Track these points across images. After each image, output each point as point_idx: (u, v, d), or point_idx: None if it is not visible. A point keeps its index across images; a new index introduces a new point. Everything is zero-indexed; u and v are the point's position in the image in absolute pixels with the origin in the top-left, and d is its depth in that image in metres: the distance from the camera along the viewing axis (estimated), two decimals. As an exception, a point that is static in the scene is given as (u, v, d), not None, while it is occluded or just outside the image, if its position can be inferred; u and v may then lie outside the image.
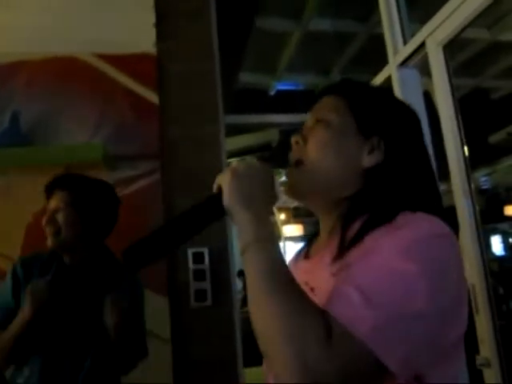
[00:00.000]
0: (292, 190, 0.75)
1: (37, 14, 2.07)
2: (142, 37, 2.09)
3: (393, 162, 0.71)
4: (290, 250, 7.55)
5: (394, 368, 0.52)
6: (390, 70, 2.01)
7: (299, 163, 0.74)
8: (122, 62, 2.05)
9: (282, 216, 7.64)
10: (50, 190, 1.40)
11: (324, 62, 3.72)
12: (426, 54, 1.74)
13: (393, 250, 0.57)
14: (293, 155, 0.77)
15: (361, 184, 0.72)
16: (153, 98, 2.04)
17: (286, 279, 0.58)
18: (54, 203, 1.36)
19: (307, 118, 0.80)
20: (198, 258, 1.95)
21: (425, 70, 1.91)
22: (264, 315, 0.56)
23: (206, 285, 1.94)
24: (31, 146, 1.88)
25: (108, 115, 1.99)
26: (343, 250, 0.65)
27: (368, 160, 0.72)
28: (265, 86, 3.93)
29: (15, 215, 1.85)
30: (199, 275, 1.94)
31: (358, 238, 0.64)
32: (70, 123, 1.96)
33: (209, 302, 1.93)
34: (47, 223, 1.35)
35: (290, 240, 7.61)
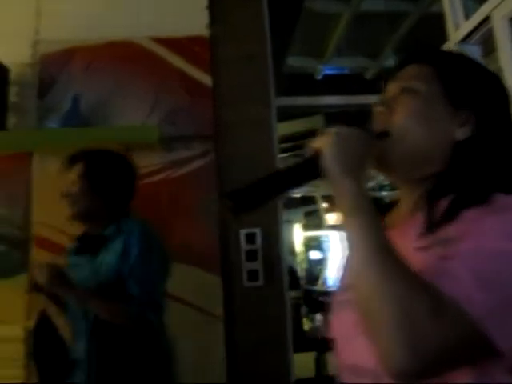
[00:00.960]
0: (378, 161, 0.70)
1: (94, 1, 2.13)
2: (194, 20, 2.11)
3: (485, 137, 0.67)
4: (333, 239, 7.48)
5: (506, 351, 0.51)
6: (450, 47, 1.93)
7: (385, 134, 0.69)
8: (175, 44, 2.09)
9: (325, 204, 7.55)
10: (68, 165, 1.46)
11: (373, 45, 3.63)
12: (490, 28, 1.66)
13: (502, 233, 0.56)
14: (377, 126, 0.72)
15: (448, 159, 0.68)
16: (206, 79, 2.07)
17: (390, 248, 0.57)
18: (70, 176, 1.42)
19: (388, 86, 0.76)
20: (251, 238, 1.97)
21: (486, 49, 1.84)
22: (373, 284, 0.55)
23: (258, 265, 1.96)
24: (90, 127, 1.95)
25: (163, 97, 2.03)
26: (433, 226, 0.63)
27: (460, 133, 0.67)
28: (312, 70, 3.88)
29: (77, 194, 1.92)
30: (251, 255, 1.96)
31: (451, 215, 0.62)
32: (126, 105, 2.02)
33: (261, 282, 1.95)
34: (64, 195, 1.41)
35: (333, 229, 7.53)
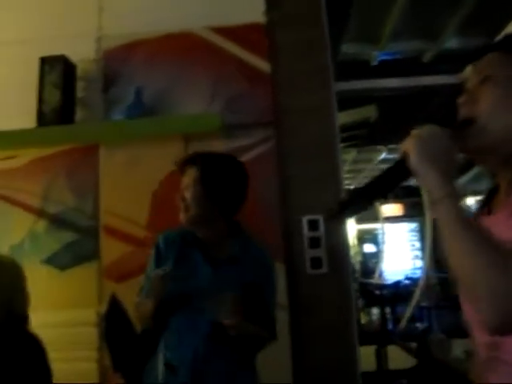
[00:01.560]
0: (466, 147, 0.77)
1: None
2: (251, 7, 2.10)
3: None
4: (388, 232, 7.31)
5: None
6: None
7: (470, 122, 0.76)
8: (233, 33, 2.09)
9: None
10: (182, 168, 1.44)
11: (432, 27, 3.48)
12: None
13: None
14: (461, 114, 0.79)
15: None
16: (264, 66, 2.05)
17: (474, 226, 0.67)
18: (185, 180, 1.41)
19: (469, 76, 0.81)
20: (313, 225, 1.94)
21: None
22: (469, 262, 0.64)
23: (321, 252, 1.93)
24: (153, 117, 1.99)
25: (222, 86, 2.04)
26: None
27: None
28: (367, 57, 3.77)
29: (143, 183, 1.97)
30: (314, 243, 1.93)
31: None
32: (187, 95, 2.04)
33: (324, 270, 1.92)
34: (179, 200, 1.40)
35: (389, 221, 7.34)
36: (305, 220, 1.94)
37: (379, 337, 3.73)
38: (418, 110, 4.25)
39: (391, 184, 0.77)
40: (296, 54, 2.11)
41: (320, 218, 1.94)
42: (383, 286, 6.10)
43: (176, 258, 1.38)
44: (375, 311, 5.40)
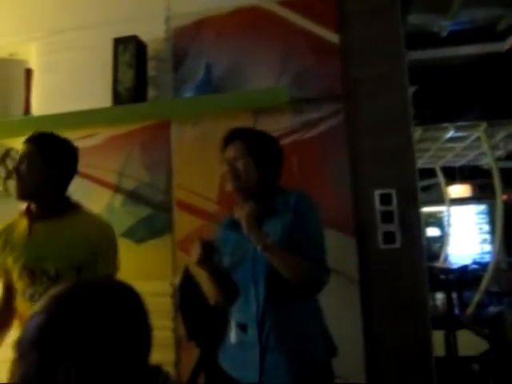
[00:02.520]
0: None
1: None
2: (318, -22, 2.05)
3: None
4: (455, 214, 6.99)
5: None
6: None
7: None
8: (300, 5, 2.05)
9: (442, 177, 7.04)
10: (227, 142, 1.53)
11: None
12: None
13: None
14: None
15: None
16: (333, 38, 2.00)
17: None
18: (232, 152, 1.49)
19: None
20: (386, 199, 1.89)
21: None
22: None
23: (394, 227, 1.88)
24: (223, 93, 2.01)
25: (290, 60, 2.02)
26: None
27: None
28: (436, 28, 3.59)
29: (213, 159, 2.00)
30: (387, 217, 1.89)
31: None
32: (256, 70, 2.04)
33: (397, 244, 1.88)
34: (230, 170, 1.48)
35: (456, 203, 7.01)
36: (377, 194, 1.89)
37: (445, 322, 3.62)
38: (484, 87, 4.02)
39: None
40: (366, 23, 2.04)
41: (392, 192, 1.88)
42: (449, 271, 5.87)
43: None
44: (439, 296, 5.22)
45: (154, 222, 2.04)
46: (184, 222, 2.01)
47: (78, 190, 2.16)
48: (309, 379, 1.37)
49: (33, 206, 1.60)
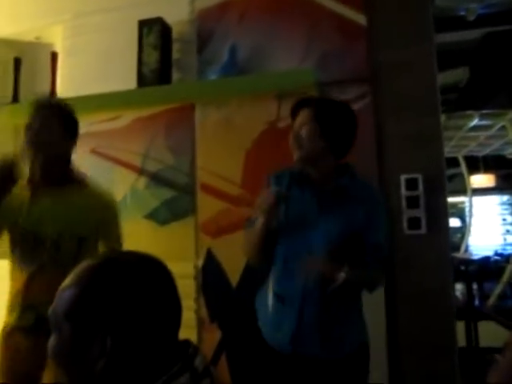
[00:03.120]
0: None
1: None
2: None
3: None
4: (477, 205, 6.85)
5: None
6: None
7: None
8: (327, -14, 2.01)
9: (465, 167, 6.89)
10: (295, 111, 1.44)
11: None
12: None
13: None
14: None
15: None
16: (360, 19, 1.96)
17: None
18: (299, 120, 1.41)
19: None
20: (412, 184, 1.86)
21: None
22: None
23: (420, 212, 1.85)
24: (247, 75, 1.99)
25: (316, 41, 1.99)
26: None
27: None
28: (463, 11, 3.49)
29: (236, 142, 2.00)
30: (412, 202, 1.86)
31: None
32: (281, 51, 2.02)
33: (423, 230, 1.85)
34: (293, 138, 1.40)
35: (478, 193, 6.87)
36: (402, 178, 1.86)
37: (465, 313, 3.57)
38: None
39: None
40: (393, 4, 1.99)
41: (419, 177, 1.85)
42: (469, 262, 5.78)
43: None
44: (459, 287, 5.15)
45: (178, 204, 2.05)
46: (207, 205, 2.02)
47: (102, 172, 2.20)
48: (348, 359, 1.35)
49: (37, 175, 1.54)
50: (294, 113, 1.43)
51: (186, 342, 0.74)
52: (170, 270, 0.75)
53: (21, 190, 1.52)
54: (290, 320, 1.36)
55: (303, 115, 1.39)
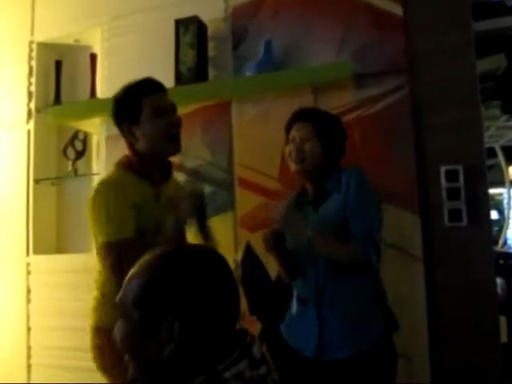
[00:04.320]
0: None
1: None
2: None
3: None
4: (515, 196, 6.65)
5: None
6: None
7: None
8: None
9: (502, 157, 6.67)
10: (293, 121, 1.52)
11: None
12: None
13: None
14: None
15: None
16: (396, 10, 1.94)
17: None
18: (300, 133, 1.48)
19: None
20: (452, 175, 1.83)
21: None
22: None
23: (461, 204, 1.83)
24: (283, 70, 2.01)
25: (351, 34, 1.98)
26: None
27: None
28: (501, -3, 3.38)
29: (273, 137, 2.01)
30: (453, 194, 1.83)
31: None
32: (316, 45, 2.02)
33: (464, 223, 1.82)
34: (296, 151, 1.48)
35: (516, 184, 6.66)
36: (442, 170, 1.84)
37: (506, 308, 3.49)
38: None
39: None
40: (430, -7, 1.97)
41: (459, 168, 1.82)
42: (509, 255, 5.62)
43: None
44: (498, 281, 5.02)
45: (217, 200, 2.08)
46: (245, 200, 2.05)
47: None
48: (367, 353, 1.38)
49: (154, 169, 1.51)
50: (291, 124, 1.52)
51: (244, 330, 0.77)
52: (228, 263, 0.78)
53: (136, 185, 1.46)
54: (312, 325, 1.44)
55: (304, 130, 1.48)
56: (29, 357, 2.41)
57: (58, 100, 2.54)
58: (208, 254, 0.76)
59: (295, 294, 1.54)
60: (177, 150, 1.51)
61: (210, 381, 0.67)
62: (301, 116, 1.52)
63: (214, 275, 0.72)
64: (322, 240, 1.40)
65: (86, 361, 2.21)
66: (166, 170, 1.55)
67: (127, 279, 0.73)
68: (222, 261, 0.76)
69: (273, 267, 1.98)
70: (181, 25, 2.10)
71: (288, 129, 1.54)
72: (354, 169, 1.47)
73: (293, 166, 1.50)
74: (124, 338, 0.72)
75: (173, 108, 1.51)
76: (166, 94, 1.52)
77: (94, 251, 2.45)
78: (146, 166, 1.48)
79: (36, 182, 2.52)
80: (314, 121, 1.49)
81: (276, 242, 1.46)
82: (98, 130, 2.42)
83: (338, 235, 1.39)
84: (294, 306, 1.53)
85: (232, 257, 2.04)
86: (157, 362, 0.69)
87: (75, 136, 2.57)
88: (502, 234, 6.56)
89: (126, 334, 0.71)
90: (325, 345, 1.40)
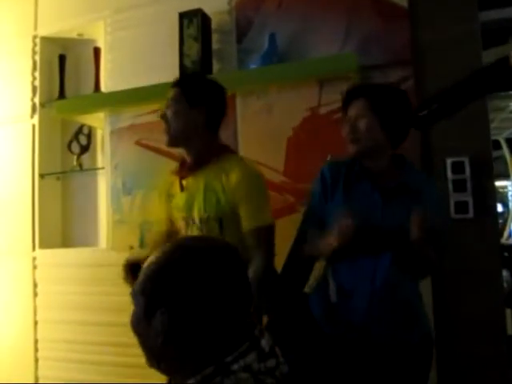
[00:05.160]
0: None
1: None
2: None
3: None
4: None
5: None
6: None
7: None
8: (366, -32, 1.98)
9: (507, 149, 6.63)
10: (347, 101, 1.39)
11: None
12: None
13: None
14: None
15: None
16: (401, 1, 1.93)
17: None
18: (354, 111, 1.35)
19: None
20: (458, 167, 1.83)
21: None
22: None
23: (467, 196, 1.82)
24: (287, 63, 2.00)
25: (356, 25, 1.97)
26: None
27: None
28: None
29: (278, 130, 2.01)
30: (459, 186, 1.83)
31: None
32: (320, 37, 2.01)
33: (470, 214, 1.82)
34: (350, 131, 1.35)
35: (521, 177, 6.63)
36: (449, 162, 1.83)
37: (510, 301, 3.49)
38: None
39: (491, 83, 0.63)
40: (435, -17, 1.95)
41: (465, 160, 1.82)
42: (512, 247, 5.60)
43: (344, 190, 1.36)
44: (503, 274, 5.01)
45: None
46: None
47: (147, 164, 2.27)
48: (414, 350, 1.32)
49: (185, 157, 1.54)
50: (347, 103, 1.38)
51: (253, 323, 0.77)
52: (242, 260, 0.77)
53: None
54: (357, 317, 1.31)
55: (358, 106, 1.34)
56: (36, 350, 2.43)
57: (62, 94, 2.54)
58: (218, 246, 0.76)
59: (335, 280, 1.36)
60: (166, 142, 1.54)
61: (219, 372, 0.67)
62: (354, 92, 1.37)
63: (221, 268, 0.72)
64: (423, 238, 1.22)
65: (93, 354, 2.27)
66: (198, 153, 1.52)
67: (144, 265, 0.75)
68: (232, 254, 0.76)
69: (279, 260, 1.98)
70: (185, 17, 2.09)
71: (344, 110, 1.40)
72: (427, 176, 1.43)
73: (350, 148, 1.35)
74: (132, 322, 0.73)
75: (168, 102, 1.53)
76: (173, 88, 1.54)
77: (101, 245, 2.48)
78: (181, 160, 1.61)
79: (41, 176, 2.52)
80: (367, 95, 1.34)
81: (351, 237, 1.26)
82: (103, 124, 2.42)
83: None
84: (335, 294, 1.36)
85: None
86: (154, 350, 0.71)
87: (80, 130, 2.57)
88: (507, 227, 6.55)
89: (133, 318, 0.73)
90: (373, 335, 1.31)
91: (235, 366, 0.68)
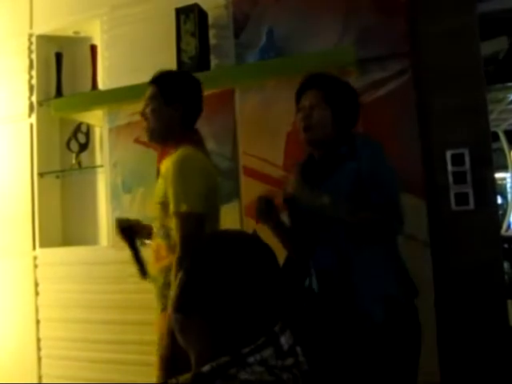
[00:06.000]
0: None
1: None
2: None
3: None
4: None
5: None
6: None
7: None
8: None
9: (505, 141, 6.64)
10: (302, 90, 1.43)
11: None
12: None
13: None
14: None
15: None
16: (399, -8, 1.92)
17: None
18: (308, 100, 1.39)
19: None
20: (458, 159, 1.83)
21: None
22: None
23: (467, 188, 1.82)
24: (285, 57, 2.00)
25: (354, 17, 1.96)
26: None
27: None
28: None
29: (277, 125, 2.01)
30: (459, 178, 1.83)
31: None
32: (318, 30, 2.00)
33: (471, 206, 1.82)
34: (303, 119, 1.39)
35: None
36: (448, 154, 1.83)
37: (510, 292, 3.49)
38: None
39: None
40: (433, -25, 1.94)
41: (465, 152, 1.82)
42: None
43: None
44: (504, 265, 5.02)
45: (222, 189, 2.06)
46: (250, 188, 2.04)
47: (146, 161, 2.26)
48: (390, 319, 1.29)
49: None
50: (301, 92, 1.42)
51: (276, 319, 0.76)
52: (274, 254, 0.76)
53: None
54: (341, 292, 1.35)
55: (314, 95, 1.38)
56: (39, 349, 2.44)
57: (59, 92, 2.53)
58: (247, 241, 0.76)
59: (313, 267, 1.40)
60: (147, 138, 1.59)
61: (234, 363, 0.66)
62: (309, 83, 1.42)
63: (248, 264, 0.71)
64: (346, 208, 1.29)
65: (95, 352, 2.27)
66: (173, 145, 1.55)
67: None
68: (262, 249, 0.75)
69: (279, 255, 1.98)
70: (181, 13, 2.08)
71: (297, 99, 1.45)
72: (370, 138, 1.39)
73: (301, 136, 1.41)
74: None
75: (146, 100, 1.57)
76: (150, 85, 1.59)
77: (102, 243, 2.48)
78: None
79: (40, 175, 2.52)
80: (322, 86, 1.39)
81: (267, 207, 1.38)
82: (101, 122, 2.41)
83: (353, 204, 1.30)
84: (315, 281, 1.39)
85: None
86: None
87: (78, 128, 2.56)
88: (506, 219, 6.56)
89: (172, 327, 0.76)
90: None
91: (251, 359, 0.67)
